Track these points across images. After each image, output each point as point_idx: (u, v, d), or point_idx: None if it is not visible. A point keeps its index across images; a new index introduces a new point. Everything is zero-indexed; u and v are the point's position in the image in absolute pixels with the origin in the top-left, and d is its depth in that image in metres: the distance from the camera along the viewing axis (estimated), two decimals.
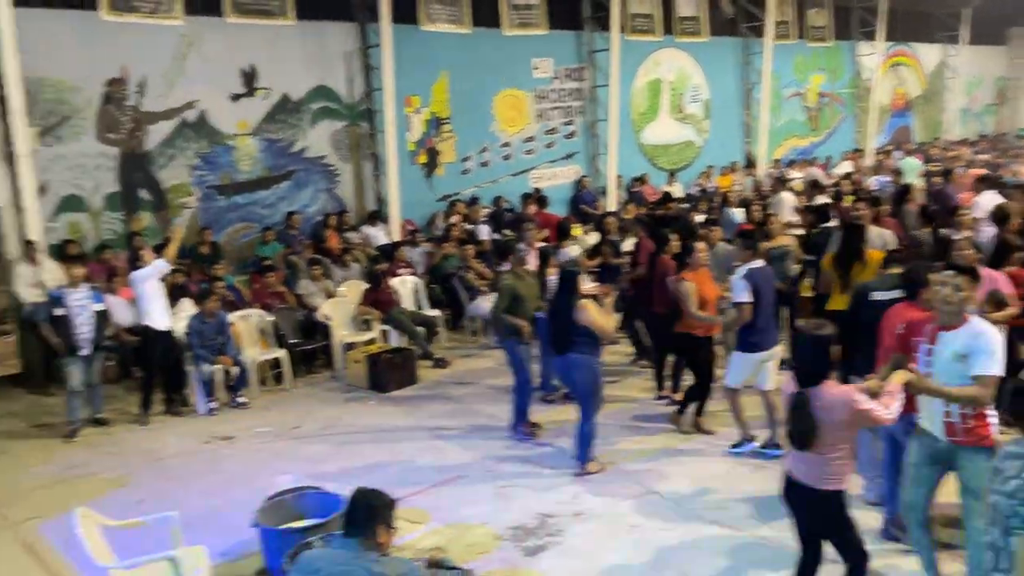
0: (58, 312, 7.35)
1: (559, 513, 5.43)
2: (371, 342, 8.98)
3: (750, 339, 6.09)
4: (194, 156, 10.49)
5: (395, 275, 9.92)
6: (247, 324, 8.66)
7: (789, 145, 18.85)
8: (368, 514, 3.03)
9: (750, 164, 17.53)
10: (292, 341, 8.89)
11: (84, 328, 7.38)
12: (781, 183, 14.40)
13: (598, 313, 5.92)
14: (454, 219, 12.04)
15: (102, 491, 6.11)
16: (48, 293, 7.85)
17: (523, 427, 6.80)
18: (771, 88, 17.33)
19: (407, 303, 9.72)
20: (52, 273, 8.65)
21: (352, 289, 9.59)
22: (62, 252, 8.97)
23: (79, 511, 4.17)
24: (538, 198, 12.87)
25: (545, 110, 14.42)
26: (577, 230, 11.20)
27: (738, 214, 10.75)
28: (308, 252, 10.40)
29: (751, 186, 15.90)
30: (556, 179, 14.59)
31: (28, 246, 8.82)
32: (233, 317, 8.44)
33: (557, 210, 13.27)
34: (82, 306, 7.38)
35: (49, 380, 8.44)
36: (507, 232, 11.74)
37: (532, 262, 7.55)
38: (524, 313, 6.82)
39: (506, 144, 13.91)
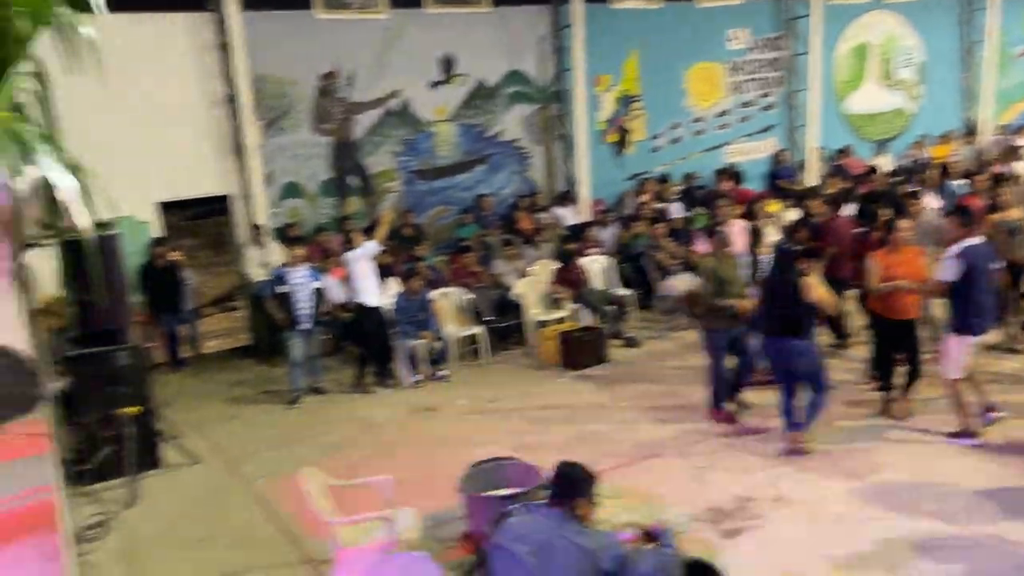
0: (281, 290, 8.08)
1: (758, 497, 5.30)
2: (563, 320, 9.13)
3: (966, 321, 5.64)
4: (398, 143, 11.09)
5: (585, 255, 10.01)
6: (447, 302, 9.10)
7: (1017, 109, 16.95)
8: (571, 487, 3.13)
9: (970, 132, 15.96)
10: (488, 318, 9.23)
11: (304, 304, 8.06)
12: (1013, 151, 12.98)
13: (822, 289, 5.71)
14: (644, 197, 11.93)
15: (322, 453, 6.66)
16: (272, 272, 8.63)
17: (720, 411, 6.66)
18: (997, 46, 15.66)
19: (597, 282, 9.79)
20: (276, 254, 9.51)
21: (543, 268, 9.79)
22: (284, 235, 9.84)
23: (306, 470, 4.58)
24: (733, 174, 12.45)
25: (740, 82, 13.89)
26: (774, 206, 10.74)
27: (959, 186, 9.86)
28: (501, 233, 10.73)
29: (972, 155, 14.48)
30: (751, 154, 14.03)
31: (256, 230, 9.75)
32: (435, 295, 8.90)
33: (753, 186, 12.78)
34: (302, 284, 8.06)
35: (274, 352, 9.29)
36: (699, 210, 11.48)
37: (738, 241, 7.33)
38: (729, 297, 6.56)
39: (698, 119, 13.55)
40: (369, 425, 7.36)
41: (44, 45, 5.64)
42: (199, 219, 12.85)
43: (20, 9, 5.13)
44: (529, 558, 3.02)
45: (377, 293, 8.35)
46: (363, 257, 8.14)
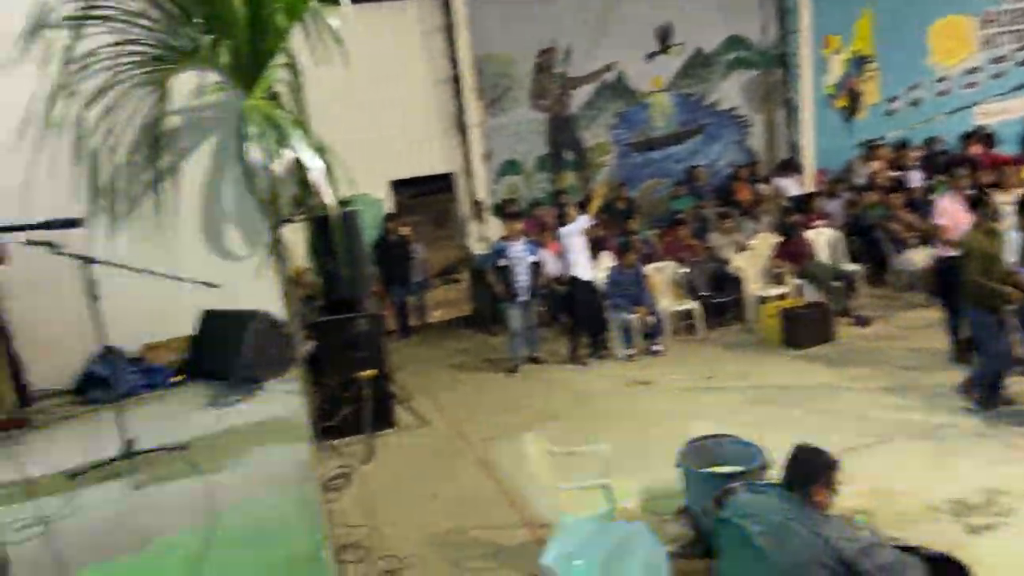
0: (501, 263, 8.39)
1: (1013, 491, 4.80)
2: (784, 296, 8.73)
3: None
4: (612, 116, 11.07)
5: (810, 227, 9.48)
6: (662, 276, 9.01)
7: None
8: (808, 471, 3.01)
9: None
10: (703, 293, 9.02)
11: (522, 277, 8.32)
12: None
13: None
14: (876, 165, 11.06)
15: (539, 421, 6.86)
16: (492, 246, 8.97)
17: (986, 393, 6.00)
18: None
19: (823, 256, 9.24)
20: (495, 229, 9.87)
21: (763, 242, 9.39)
22: (502, 210, 10.17)
23: (527, 435, 4.75)
24: (983, 136, 11.21)
25: (993, 35, 12.45)
26: None
27: None
28: (716, 205, 10.42)
29: None
30: (1005, 114, 12.56)
31: (476, 206, 10.17)
32: (649, 269, 8.84)
33: (1008, 150, 11.44)
34: (520, 257, 8.33)
35: (494, 322, 9.67)
36: (941, 178, 10.45)
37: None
38: (998, 275, 5.80)
39: (942, 79, 12.33)
40: (584, 396, 7.48)
41: (296, 37, 6.20)
42: (424, 196, 13.60)
43: (279, 5, 5.66)
44: (761, 538, 2.95)
45: (589, 267, 8.43)
46: (576, 231, 8.25)
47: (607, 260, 8.93)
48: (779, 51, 11.64)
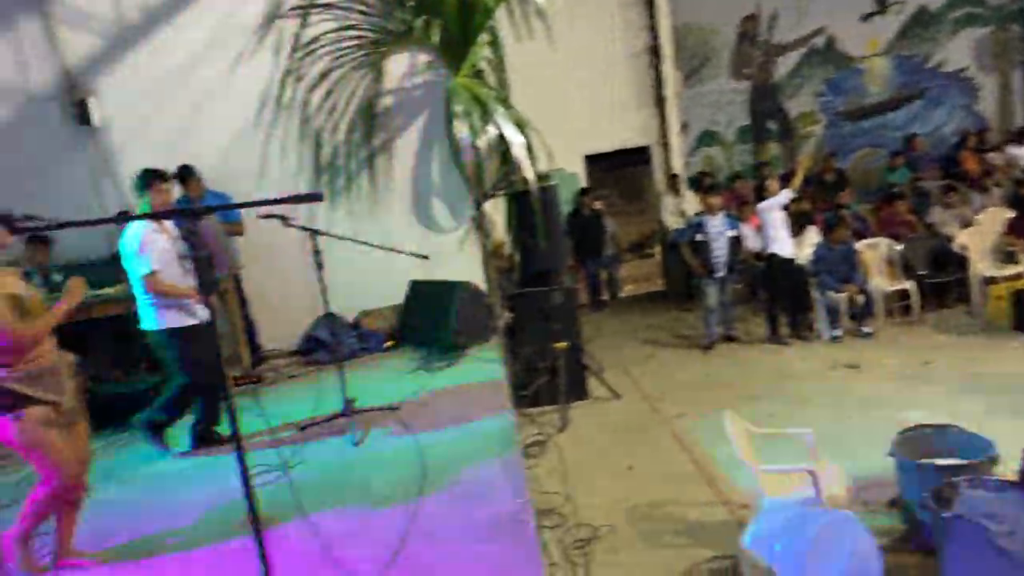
0: (698, 237, 8.21)
1: None
2: (1017, 277, 7.91)
3: None
4: (820, 83, 10.46)
5: None
6: (874, 253, 8.44)
7: None
8: None
9: None
10: (921, 272, 8.36)
11: (719, 252, 8.10)
12: None
13: None
14: None
15: (735, 400, 6.68)
16: (689, 220, 8.79)
17: None
18: None
19: None
20: (691, 202, 9.67)
21: (993, 217, 8.54)
22: (698, 183, 9.94)
23: (727, 413, 4.64)
24: None
25: None
26: None
27: None
28: (937, 177, 9.58)
29: None
30: None
31: (672, 179, 10.00)
32: (860, 246, 8.30)
33: None
34: (719, 232, 8.10)
35: (688, 298, 9.49)
36: None
37: None
38: None
39: None
40: (784, 377, 7.19)
41: (499, 14, 6.36)
42: (617, 169, 13.57)
43: None
44: (1004, 539, 2.73)
45: (790, 243, 8.06)
46: (776, 206, 7.90)
47: (813, 235, 8.49)
48: (1018, 5, 10.45)
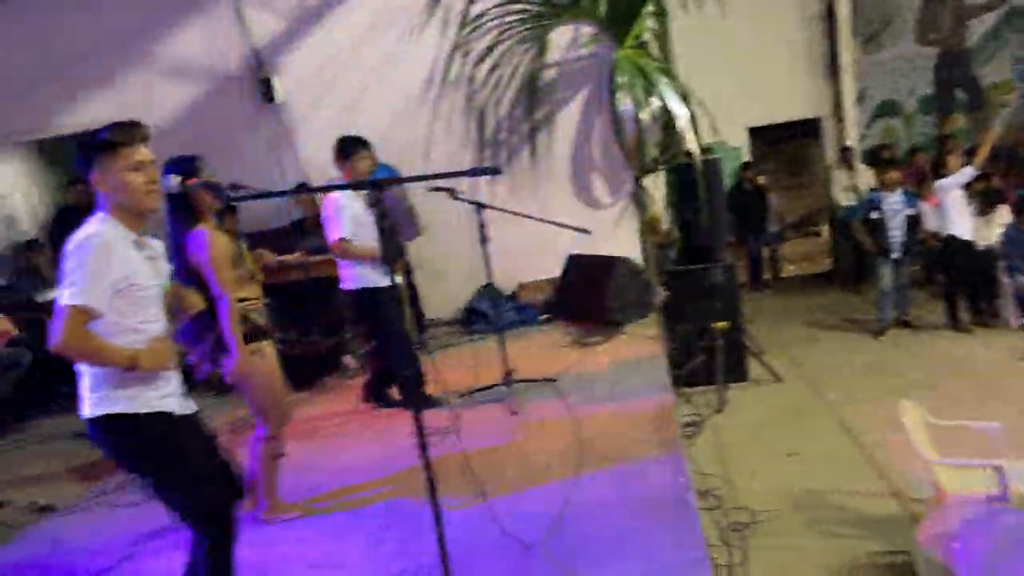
0: (873, 215, 7.73)
1: None
2: None
3: None
4: (1020, 48, 9.52)
5: None
6: None
7: None
8: None
9: None
10: None
11: (896, 232, 7.60)
12: None
13: None
14: None
15: (908, 388, 6.28)
16: (863, 197, 8.29)
17: None
18: None
19: None
20: (864, 178, 9.11)
21: None
22: (875, 157, 9.33)
23: (903, 402, 4.38)
24: None
25: None
26: None
27: None
28: None
29: None
30: None
31: (845, 152, 9.45)
32: None
33: None
34: (896, 210, 7.60)
35: (858, 279, 8.99)
36: None
37: None
38: None
39: None
40: (963, 366, 6.69)
41: None
42: (782, 143, 12.99)
43: None
44: None
45: (970, 225, 7.43)
46: (956, 184, 7.30)
47: (1004, 215, 7.78)
48: None
